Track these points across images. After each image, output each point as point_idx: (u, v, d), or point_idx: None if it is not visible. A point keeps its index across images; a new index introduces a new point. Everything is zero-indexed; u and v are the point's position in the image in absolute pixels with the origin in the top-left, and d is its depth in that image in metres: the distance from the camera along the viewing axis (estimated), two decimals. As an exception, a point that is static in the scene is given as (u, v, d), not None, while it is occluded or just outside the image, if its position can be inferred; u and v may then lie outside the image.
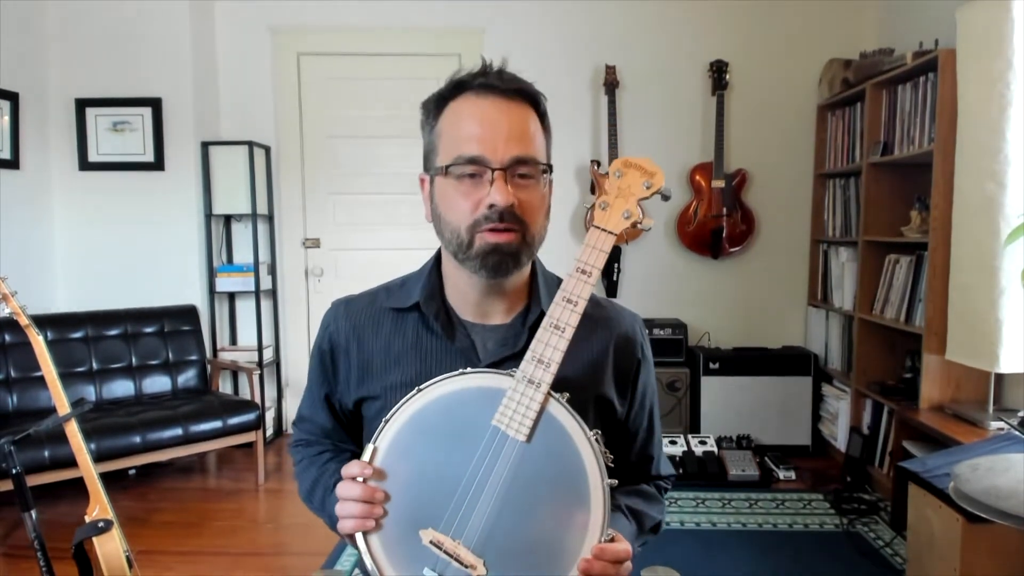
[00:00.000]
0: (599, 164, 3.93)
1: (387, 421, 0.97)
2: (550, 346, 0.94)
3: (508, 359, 1.06)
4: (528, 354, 0.95)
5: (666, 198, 1.00)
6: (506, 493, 0.93)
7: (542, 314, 1.04)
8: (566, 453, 0.93)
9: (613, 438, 1.10)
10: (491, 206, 0.98)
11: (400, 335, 1.11)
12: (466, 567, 0.92)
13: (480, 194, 1.00)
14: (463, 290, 1.09)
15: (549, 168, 1.05)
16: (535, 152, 1.02)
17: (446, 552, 0.93)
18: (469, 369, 0.98)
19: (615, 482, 0.93)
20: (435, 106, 1.05)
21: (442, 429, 0.96)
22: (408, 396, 0.98)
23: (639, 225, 0.99)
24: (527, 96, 1.03)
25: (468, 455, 0.94)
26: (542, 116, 1.06)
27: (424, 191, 1.09)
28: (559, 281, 1.12)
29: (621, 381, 1.13)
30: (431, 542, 0.93)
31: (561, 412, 0.94)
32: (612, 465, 0.95)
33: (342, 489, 0.97)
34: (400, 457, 0.97)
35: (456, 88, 1.03)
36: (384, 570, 0.95)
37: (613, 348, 1.12)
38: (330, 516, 1.05)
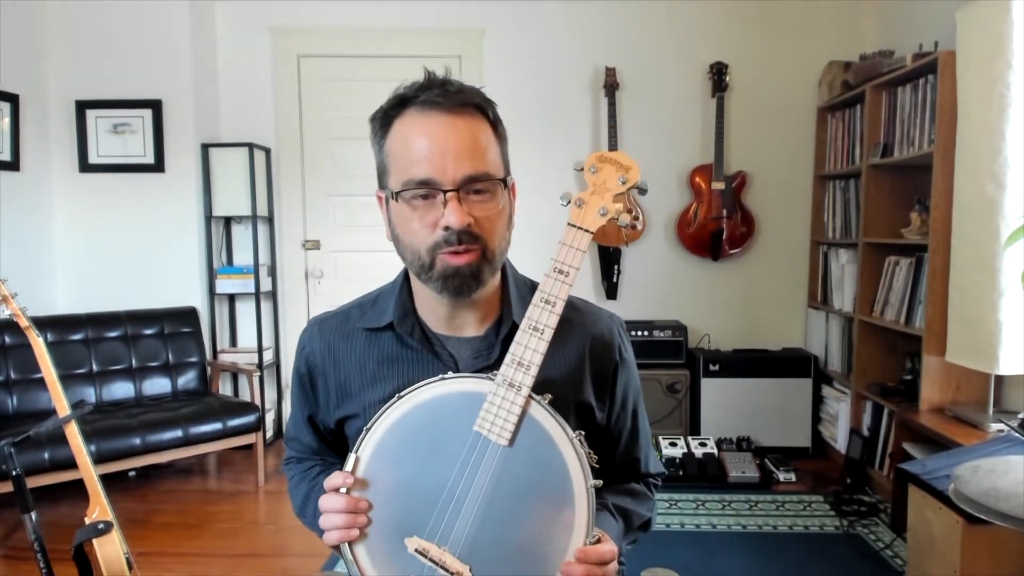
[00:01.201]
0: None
1: (368, 430, 0.97)
2: (529, 348, 0.94)
3: (483, 371, 1.04)
4: (508, 357, 0.94)
5: (643, 192, 1.00)
6: (490, 498, 0.93)
7: (514, 326, 1.03)
8: (549, 456, 0.93)
9: (596, 443, 1.09)
10: (447, 228, 0.96)
11: (376, 352, 1.10)
12: (452, 574, 0.92)
13: (435, 215, 0.97)
14: (433, 307, 1.08)
15: (504, 181, 1.02)
16: (487, 167, 0.98)
17: (431, 560, 0.92)
18: (450, 374, 0.97)
19: (599, 483, 0.93)
20: (381, 124, 1.02)
21: (424, 436, 0.96)
22: (388, 404, 0.97)
23: (618, 222, 0.97)
24: (474, 107, 0.99)
25: (451, 461, 0.94)
26: (494, 124, 1.02)
27: (381, 208, 1.07)
28: (533, 286, 1.11)
29: (599, 385, 1.12)
30: (416, 550, 0.93)
31: (543, 415, 0.94)
32: (597, 466, 0.94)
33: (325, 502, 0.96)
34: (383, 466, 0.96)
35: (400, 104, 0.99)
36: None
37: (589, 352, 1.11)
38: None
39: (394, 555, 0.94)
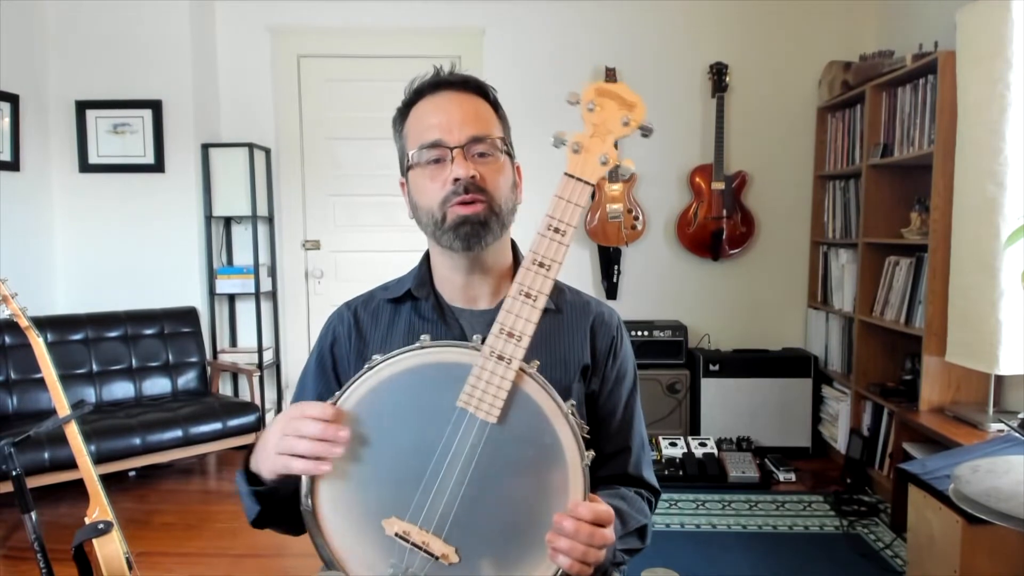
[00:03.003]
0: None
1: (335, 403, 0.89)
2: (521, 317, 0.86)
3: None
4: (495, 326, 0.87)
5: (647, 134, 0.89)
6: (478, 478, 0.87)
7: None
8: (541, 433, 0.87)
9: (587, 419, 1.11)
10: (455, 180, 1.04)
11: (395, 326, 1.15)
12: (436, 557, 0.87)
13: (445, 174, 1.06)
14: (449, 276, 1.14)
15: (504, 142, 1.10)
16: (490, 131, 1.09)
17: (413, 543, 0.88)
18: (428, 341, 0.90)
19: (592, 454, 0.89)
20: (400, 115, 1.15)
21: (400, 412, 0.89)
22: (357, 375, 0.90)
23: (619, 171, 0.88)
24: (474, 87, 1.12)
25: (432, 440, 0.87)
26: (495, 106, 1.13)
27: (404, 193, 1.16)
28: None
29: (597, 356, 1.16)
30: (397, 534, 0.88)
31: (534, 388, 0.87)
32: (588, 436, 0.91)
33: (293, 424, 0.88)
34: (353, 444, 0.89)
35: (415, 95, 1.13)
36: (347, 564, 0.90)
37: (591, 326, 1.17)
38: (241, 480, 1.00)
39: (371, 539, 0.89)
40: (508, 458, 0.88)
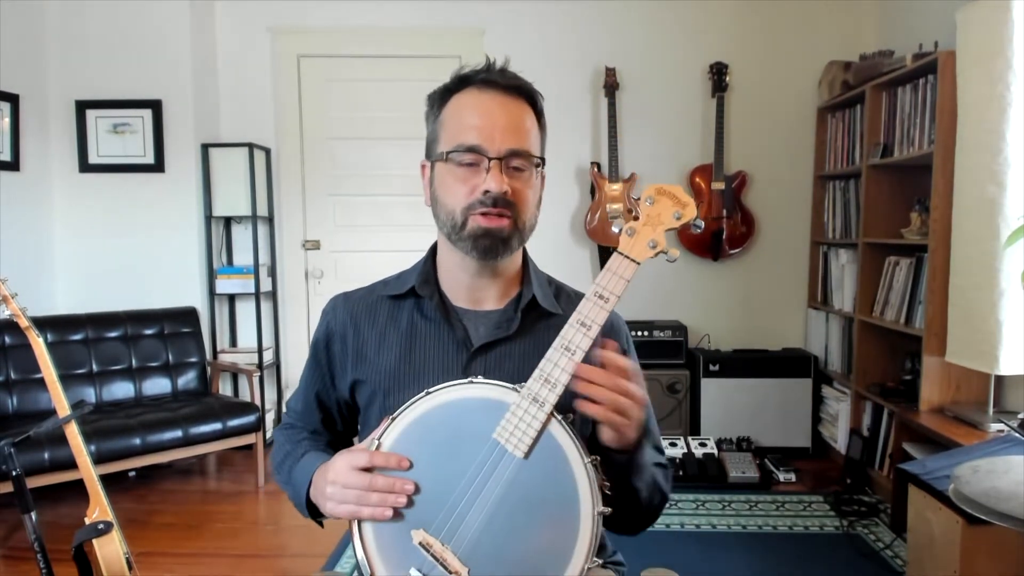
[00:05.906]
0: (599, 166, 3.93)
1: (394, 419, 0.98)
2: (558, 367, 0.95)
3: (501, 341, 1.09)
4: (536, 372, 0.95)
5: (697, 229, 1.03)
6: (498, 506, 0.94)
7: (534, 299, 1.11)
8: (561, 475, 0.94)
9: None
10: (486, 192, 1.03)
11: (394, 322, 1.15)
12: (451, 573, 0.93)
13: (476, 180, 1.05)
14: (456, 275, 1.13)
15: (542, 162, 1.10)
16: (529, 146, 1.07)
17: (433, 555, 0.94)
18: (479, 379, 0.98)
19: (608, 511, 0.93)
20: (440, 98, 1.11)
21: (444, 435, 0.97)
22: (416, 398, 0.99)
23: (665, 256, 0.99)
24: (525, 94, 1.10)
25: (466, 464, 0.95)
26: (539, 114, 1.12)
27: (424, 177, 1.14)
28: (547, 279, 1.19)
29: None
30: (420, 543, 0.94)
31: (561, 434, 0.95)
32: (609, 493, 0.95)
33: (358, 478, 0.95)
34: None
35: (461, 82, 1.09)
36: (374, 563, 0.96)
37: (599, 333, 1.15)
38: (295, 488, 1.11)
39: (399, 543, 0.95)
40: (527, 493, 0.94)
